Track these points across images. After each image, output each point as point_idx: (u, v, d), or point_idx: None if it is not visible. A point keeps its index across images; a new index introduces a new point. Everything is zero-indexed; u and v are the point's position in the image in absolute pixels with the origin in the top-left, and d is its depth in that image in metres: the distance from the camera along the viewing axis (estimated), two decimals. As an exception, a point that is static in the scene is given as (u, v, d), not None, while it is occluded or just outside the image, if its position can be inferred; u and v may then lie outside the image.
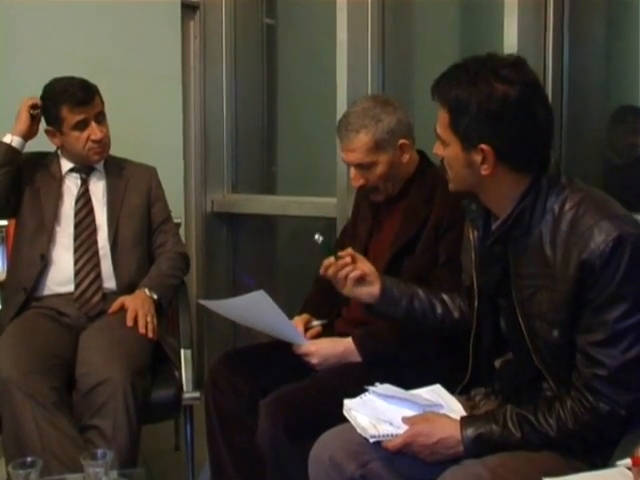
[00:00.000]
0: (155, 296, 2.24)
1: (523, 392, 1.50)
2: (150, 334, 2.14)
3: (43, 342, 2.08)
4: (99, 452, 1.41)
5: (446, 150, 1.48)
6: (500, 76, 1.40)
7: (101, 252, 2.29)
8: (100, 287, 2.26)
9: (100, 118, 2.31)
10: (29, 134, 2.29)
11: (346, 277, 1.67)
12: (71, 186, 2.35)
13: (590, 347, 1.37)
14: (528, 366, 1.47)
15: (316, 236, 1.76)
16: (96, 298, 2.25)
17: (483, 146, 1.41)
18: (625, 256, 1.33)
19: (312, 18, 3.13)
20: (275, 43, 3.33)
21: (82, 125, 2.27)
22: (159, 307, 2.25)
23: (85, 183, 2.36)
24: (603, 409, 1.35)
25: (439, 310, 1.73)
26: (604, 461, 1.33)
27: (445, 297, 1.74)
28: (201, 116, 3.13)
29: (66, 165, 2.37)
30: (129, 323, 2.13)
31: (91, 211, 2.33)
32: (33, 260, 2.25)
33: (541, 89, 1.46)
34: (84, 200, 2.33)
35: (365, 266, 1.69)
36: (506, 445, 1.40)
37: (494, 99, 1.39)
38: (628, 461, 1.00)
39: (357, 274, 1.67)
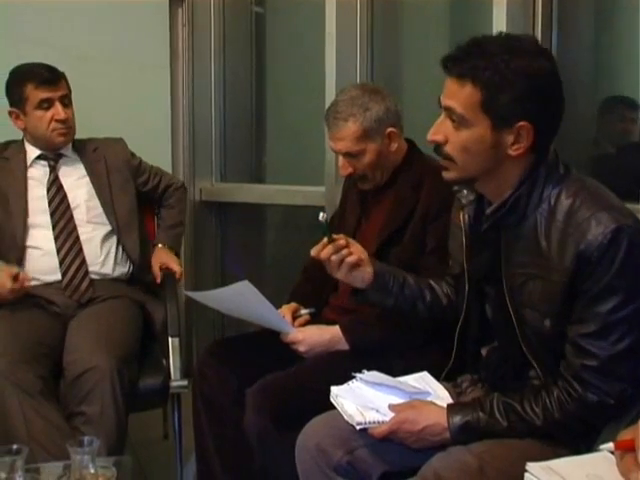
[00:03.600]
0: (171, 247, 2.45)
1: (509, 380, 1.50)
2: (178, 274, 2.36)
3: (31, 330, 2.08)
4: (86, 439, 1.40)
5: (464, 132, 1.38)
6: (542, 51, 1.38)
7: (82, 237, 2.29)
8: (87, 272, 2.26)
9: (66, 101, 2.30)
10: None
11: (341, 261, 1.62)
12: (38, 175, 2.33)
13: (581, 338, 1.36)
14: (514, 354, 1.47)
15: (321, 215, 1.67)
16: (85, 284, 2.24)
17: (523, 123, 1.36)
18: (622, 248, 1.32)
19: (301, 7, 3.11)
20: (264, 32, 3.31)
21: (46, 104, 2.26)
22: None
23: (54, 170, 2.33)
24: (591, 399, 1.35)
25: (428, 298, 1.71)
26: (588, 448, 1.34)
27: (434, 284, 1.72)
28: (189, 105, 3.11)
29: (33, 152, 2.34)
30: (158, 280, 2.35)
31: (64, 197, 2.31)
32: (12, 251, 2.24)
33: None
34: (56, 187, 2.31)
35: (359, 251, 1.65)
36: (492, 433, 1.40)
37: (542, 74, 1.35)
38: (611, 445, 1.01)
39: (354, 259, 1.62)
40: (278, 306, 2.01)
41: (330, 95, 2.57)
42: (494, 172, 1.43)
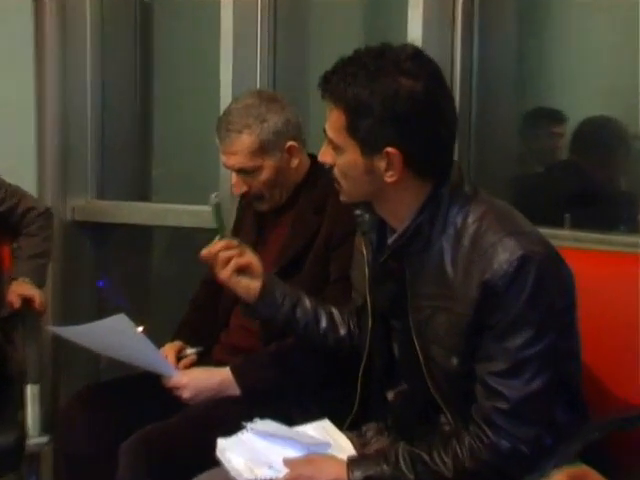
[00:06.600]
0: (34, 282, 2.37)
1: (418, 427, 1.54)
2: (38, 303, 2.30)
3: None
4: None
5: (340, 157, 1.46)
6: (404, 70, 1.40)
7: None
8: None
9: None
10: None
11: (228, 261, 1.65)
12: None
13: (490, 377, 1.40)
14: (423, 397, 1.51)
15: (212, 196, 1.75)
16: None
17: (389, 150, 1.40)
18: (530, 277, 1.37)
19: (195, -3, 3.12)
20: (151, 25, 3.28)
21: None
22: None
23: None
24: (504, 446, 1.39)
25: (323, 324, 1.73)
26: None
27: (334, 311, 1.75)
28: (60, 109, 3.03)
29: None
30: (16, 305, 2.27)
31: None
32: None
33: (444, 81, 1.47)
34: None
35: (252, 258, 1.68)
36: (398, 487, 1.43)
37: (401, 96, 1.39)
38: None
39: (243, 261, 1.66)
40: (163, 344, 1.99)
41: (226, 102, 2.56)
42: (387, 196, 1.48)
